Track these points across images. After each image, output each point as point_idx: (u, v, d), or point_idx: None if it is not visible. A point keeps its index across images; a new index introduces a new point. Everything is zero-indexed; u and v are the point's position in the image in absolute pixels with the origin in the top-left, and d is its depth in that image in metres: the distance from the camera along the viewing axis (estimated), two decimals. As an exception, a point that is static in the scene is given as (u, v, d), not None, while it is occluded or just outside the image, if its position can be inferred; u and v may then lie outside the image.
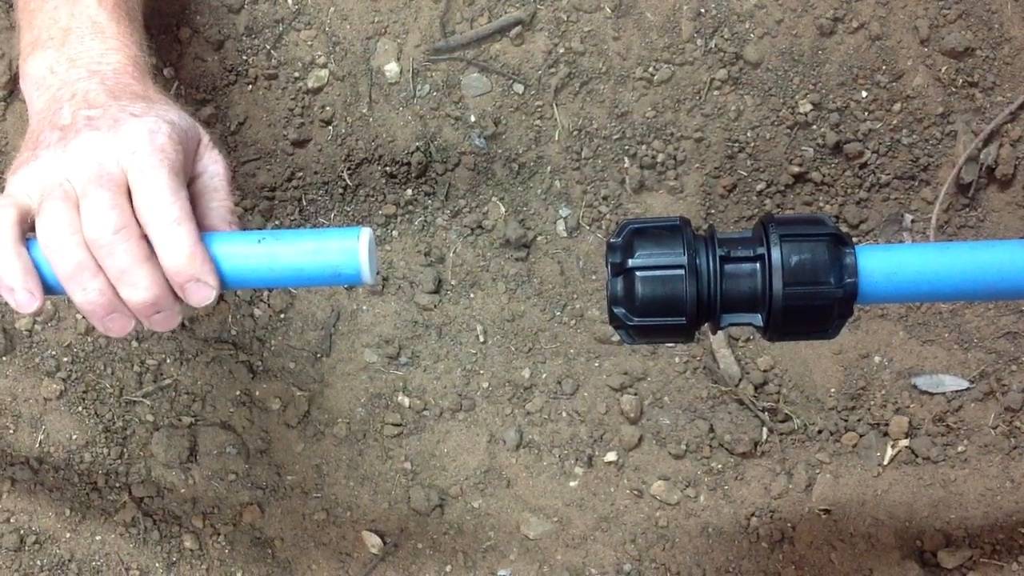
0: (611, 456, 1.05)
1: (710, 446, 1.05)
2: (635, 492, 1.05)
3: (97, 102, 0.67)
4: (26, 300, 0.64)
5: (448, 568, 1.05)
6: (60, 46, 0.72)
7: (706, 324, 0.66)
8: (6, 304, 1.04)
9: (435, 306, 1.06)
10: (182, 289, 0.64)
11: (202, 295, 0.64)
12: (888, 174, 1.02)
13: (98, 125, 0.65)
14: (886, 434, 1.03)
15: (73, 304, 0.65)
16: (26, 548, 1.02)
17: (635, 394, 1.05)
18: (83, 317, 1.03)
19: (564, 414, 1.06)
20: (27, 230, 0.65)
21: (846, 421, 1.04)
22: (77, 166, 0.64)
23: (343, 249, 0.64)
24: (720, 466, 1.04)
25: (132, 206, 0.64)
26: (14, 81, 1.00)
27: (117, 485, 1.03)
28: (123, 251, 0.62)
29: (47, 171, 0.64)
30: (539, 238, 1.06)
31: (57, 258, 0.62)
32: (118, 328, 0.65)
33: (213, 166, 0.71)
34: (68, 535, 1.03)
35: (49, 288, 0.65)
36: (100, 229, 0.62)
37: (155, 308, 0.64)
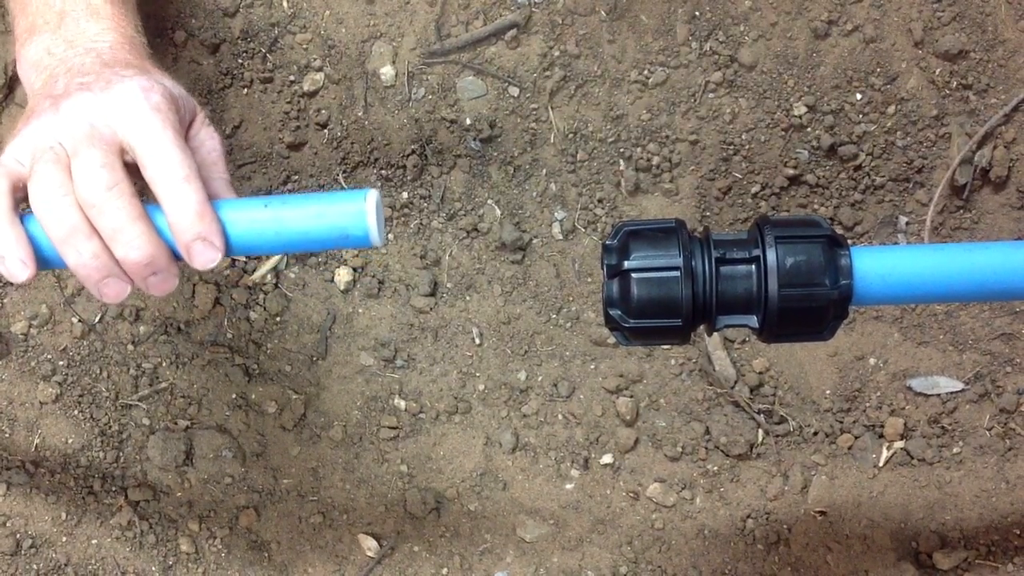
0: (607, 458, 1.05)
1: (706, 448, 1.05)
2: (631, 494, 1.05)
3: (91, 70, 0.67)
4: (18, 268, 0.63)
5: (444, 571, 1.04)
6: (56, 29, 0.72)
7: (702, 326, 0.66)
8: (2, 307, 1.04)
9: (431, 309, 1.06)
10: (188, 249, 0.63)
11: (208, 256, 0.63)
12: (882, 176, 1.02)
13: (90, 87, 0.65)
14: (881, 436, 1.03)
15: (69, 270, 0.64)
16: (22, 552, 1.01)
17: (631, 396, 1.05)
18: (79, 320, 1.03)
19: (560, 416, 1.06)
20: (21, 199, 0.64)
21: (841, 423, 1.04)
22: (68, 127, 0.63)
23: (350, 211, 0.63)
24: (716, 468, 1.04)
25: (124, 165, 0.63)
26: (10, 85, 1.00)
27: (113, 488, 1.03)
28: (116, 208, 0.61)
29: (39, 135, 0.63)
30: (535, 241, 1.06)
31: (49, 220, 0.62)
32: (114, 293, 0.64)
33: (210, 141, 0.70)
34: (64, 539, 1.02)
35: (44, 259, 0.64)
36: (92, 188, 0.61)
37: (151, 268, 0.63)
